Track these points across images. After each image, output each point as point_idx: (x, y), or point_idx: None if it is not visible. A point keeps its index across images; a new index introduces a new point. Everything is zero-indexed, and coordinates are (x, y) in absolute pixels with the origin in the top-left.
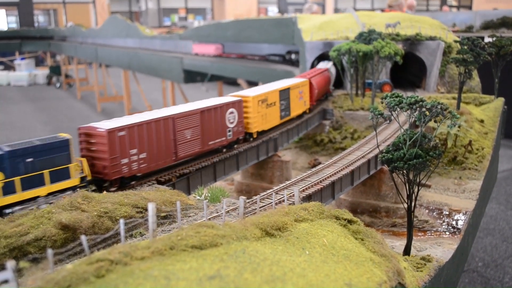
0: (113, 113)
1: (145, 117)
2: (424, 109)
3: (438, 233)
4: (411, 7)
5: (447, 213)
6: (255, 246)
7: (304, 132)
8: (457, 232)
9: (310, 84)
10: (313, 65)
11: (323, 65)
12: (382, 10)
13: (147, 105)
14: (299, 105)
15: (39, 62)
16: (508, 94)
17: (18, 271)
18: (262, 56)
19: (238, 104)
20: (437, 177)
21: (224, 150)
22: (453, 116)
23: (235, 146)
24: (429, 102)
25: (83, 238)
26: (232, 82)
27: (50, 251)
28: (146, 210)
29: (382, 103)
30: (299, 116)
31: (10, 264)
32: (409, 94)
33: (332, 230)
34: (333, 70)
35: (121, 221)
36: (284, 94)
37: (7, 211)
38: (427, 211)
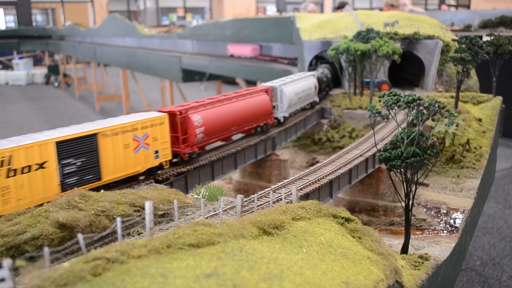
0: (111, 112)
1: None
2: (421, 108)
3: (435, 231)
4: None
5: (445, 211)
6: (252, 244)
7: (302, 131)
8: (455, 231)
9: (185, 119)
10: (311, 64)
11: (301, 75)
12: (381, 9)
13: (146, 104)
14: (137, 158)
15: (37, 62)
16: (506, 93)
17: (15, 270)
18: (290, 59)
19: None
20: (435, 176)
21: None
22: (450, 114)
23: None
24: (427, 101)
25: (80, 236)
26: (230, 81)
27: (46, 250)
28: (144, 208)
29: (380, 101)
30: (149, 172)
31: (7, 262)
32: (407, 93)
33: (329, 229)
34: (304, 84)
35: (118, 219)
36: (78, 146)
37: None
38: (425, 209)
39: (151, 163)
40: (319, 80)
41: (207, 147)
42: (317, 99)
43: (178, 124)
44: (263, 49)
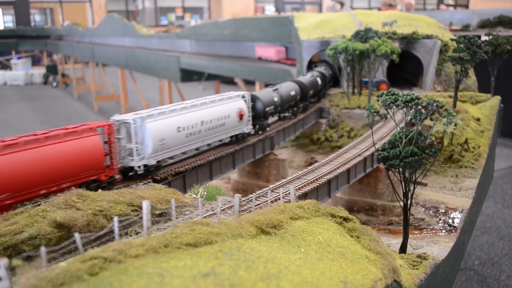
0: (110, 112)
1: None
2: (419, 107)
3: (434, 231)
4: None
5: (443, 211)
6: (250, 243)
7: (300, 131)
8: (453, 230)
9: None
10: (309, 65)
11: (214, 98)
12: (379, 9)
13: (144, 104)
14: None
15: (36, 62)
16: (505, 93)
17: (12, 270)
18: None
19: None
20: (433, 175)
21: None
22: (449, 113)
23: None
24: (425, 100)
25: (77, 236)
26: (229, 81)
27: (43, 249)
28: (142, 208)
29: (378, 101)
30: None
31: (3, 262)
32: (406, 92)
33: (327, 228)
34: (210, 112)
35: (115, 219)
36: None
37: None
38: (423, 209)
39: None
40: (262, 102)
41: None
42: (247, 129)
43: None
44: (289, 52)
